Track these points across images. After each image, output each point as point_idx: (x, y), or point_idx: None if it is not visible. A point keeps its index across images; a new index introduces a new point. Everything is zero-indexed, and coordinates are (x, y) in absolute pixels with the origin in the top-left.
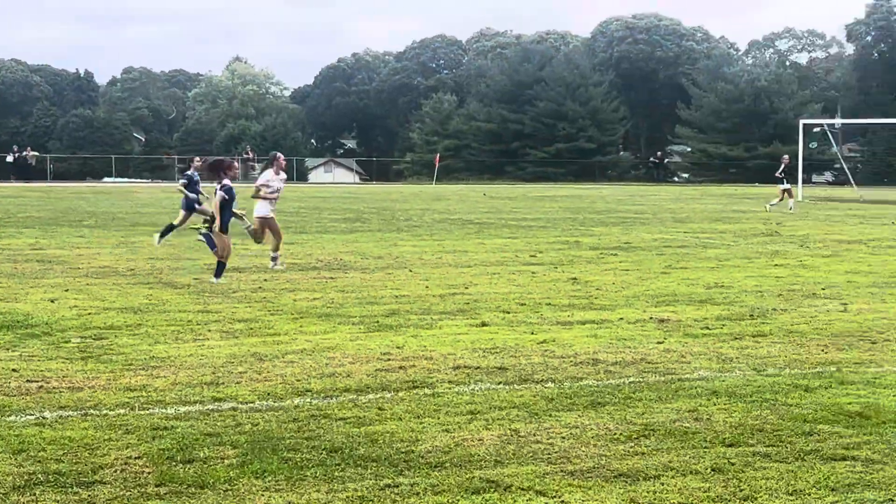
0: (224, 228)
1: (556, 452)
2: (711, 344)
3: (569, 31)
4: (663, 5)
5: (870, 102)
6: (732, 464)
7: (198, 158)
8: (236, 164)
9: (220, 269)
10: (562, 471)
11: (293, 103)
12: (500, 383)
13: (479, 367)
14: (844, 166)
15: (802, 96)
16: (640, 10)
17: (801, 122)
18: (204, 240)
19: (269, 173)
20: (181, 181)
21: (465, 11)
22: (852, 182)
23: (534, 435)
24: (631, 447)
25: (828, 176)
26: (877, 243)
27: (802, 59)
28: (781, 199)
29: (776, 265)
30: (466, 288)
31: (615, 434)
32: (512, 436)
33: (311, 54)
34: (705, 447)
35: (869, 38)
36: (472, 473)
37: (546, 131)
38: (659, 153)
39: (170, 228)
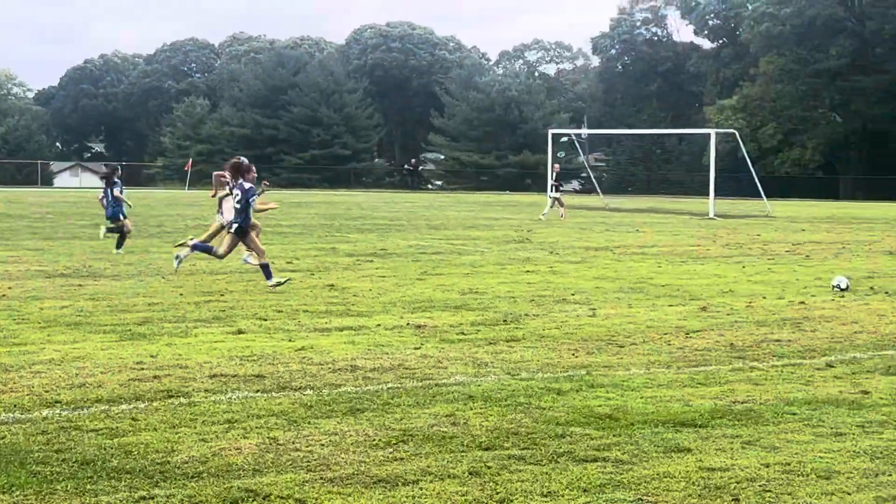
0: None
1: (315, 460)
2: (467, 349)
3: (323, 38)
4: (416, 14)
5: (614, 114)
6: (489, 467)
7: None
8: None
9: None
10: (321, 478)
11: (37, 105)
12: (257, 391)
13: (236, 376)
14: (591, 175)
15: (551, 106)
16: (394, 19)
17: (550, 131)
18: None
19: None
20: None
21: (218, 15)
22: (598, 190)
23: (293, 443)
24: (390, 453)
25: (575, 184)
26: (622, 250)
27: (551, 70)
28: (554, 205)
29: (528, 271)
30: (222, 295)
31: (374, 440)
32: (270, 444)
33: (57, 55)
34: (462, 451)
35: (613, 51)
36: (231, 483)
37: (301, 137)
38: (413, 160)
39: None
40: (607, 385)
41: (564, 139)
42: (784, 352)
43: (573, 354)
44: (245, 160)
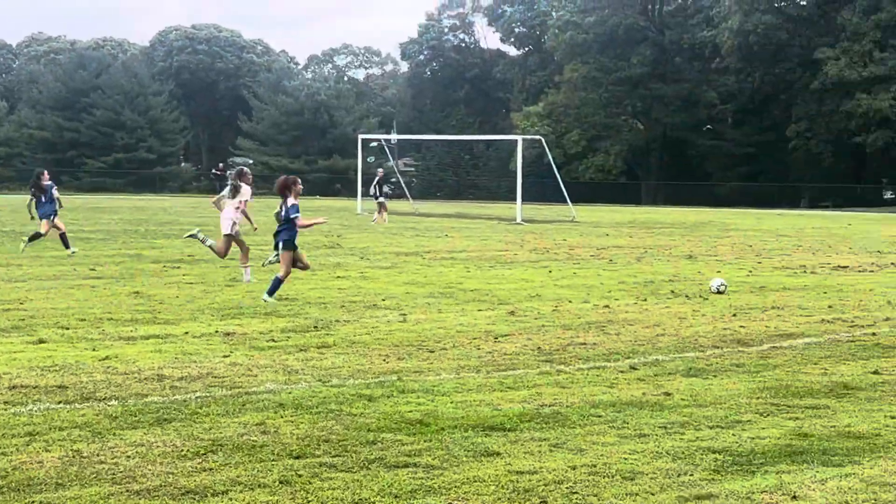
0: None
1: (121, 472)
2: (277, 356)
3: (126, 39)
4: (223, 17)
5: (423, 119)
6: (300, 475)
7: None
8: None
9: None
10: (127, 490)
11: None
12: (60, 402)
13: (37, 387)
14: (401, 180)
15: (360, 111)
16: (201, 21)
17: (360, 136)
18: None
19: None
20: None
21: (15, 14)
22: (408, 195)
23: (97, 455)
24: (198, 463)
25: (385, 189)
26: (432, 255)
27: (360, 75)
28: (381, 211)
29: (339, 277)
30: (21, 303)
31: (182, 451)
32: (74, 457)
33: None
34: (273, 460)
35: (422, 56)
36: (32, 498)
37: (104, 140)
38: (221, 165)
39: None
40: (418, 390)
41: (374, 144)
42: (589, 355)
43: (384, 360)
44: (293, 177)
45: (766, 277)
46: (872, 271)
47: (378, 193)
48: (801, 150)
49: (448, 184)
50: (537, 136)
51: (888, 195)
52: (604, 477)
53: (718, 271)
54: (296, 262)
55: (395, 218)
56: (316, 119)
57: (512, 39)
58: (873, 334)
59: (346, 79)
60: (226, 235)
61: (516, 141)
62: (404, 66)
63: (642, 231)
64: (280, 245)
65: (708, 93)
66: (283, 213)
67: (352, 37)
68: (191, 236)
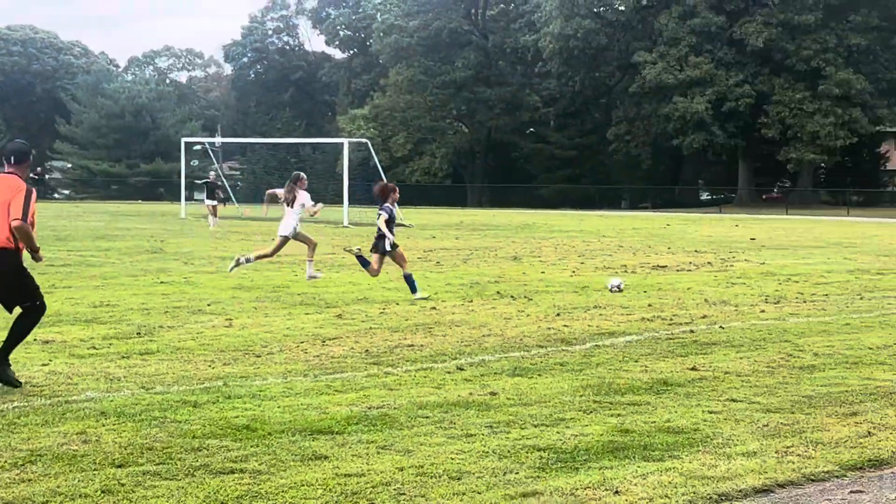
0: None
1: None
2: (99, 364)
3: None
4: (38, 18)
5: (248, 122)
6: (122, 484)
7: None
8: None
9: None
10: None
11: None
12: None
13: None
14: (226, 184)
15: (183, 114)
16: (15, 22)
17: (183, 139)
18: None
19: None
20: None
21: None
22: (233, 199)
23: None
24: (17, 474)
25: (219, 193)
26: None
27: (182, 77)
28: (213, 216)
29: (162, 282)
30: None
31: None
32: None
33: None
34: (94, 469)
35: (245, 59)
36: None
37: None
38: (39, 169)
39: None
40: (244, 395)
41: (197, 147)
42: (417, 356)
43: (210, 366)
44: (391, 184)
45: (588, 277)
46: (690, 270)
47: (208, 196)
48: (620, 153)
49: (274, 187)
50: (363, 139)
51: (704, 196)
52: (431, 477)
53: (543, 272)
54: (368, 264)
55: (221, 222)
56: (137, 122)
57: (337, 42)
58: (691, 331)
59: (168, 81)
60: (282, 236)
61: (342, 144)
62: (228, 69)
63: (468, 233)
64: (387, 246)
65: (531, 96)
66: (389, 217)
67: (173, 38)
68: (237, 265)
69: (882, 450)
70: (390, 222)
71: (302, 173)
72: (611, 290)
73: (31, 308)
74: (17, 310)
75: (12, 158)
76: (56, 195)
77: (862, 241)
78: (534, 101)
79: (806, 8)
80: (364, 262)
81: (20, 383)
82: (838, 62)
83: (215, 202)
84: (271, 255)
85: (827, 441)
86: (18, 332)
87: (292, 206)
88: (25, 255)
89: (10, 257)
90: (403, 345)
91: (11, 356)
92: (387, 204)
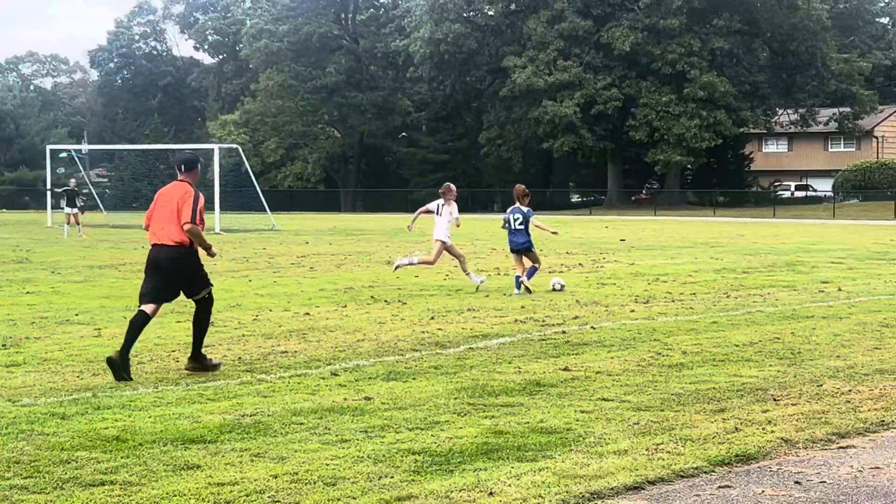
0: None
1: None
2: None
3: None
4: None
5: (116, 128)
6: None
7: None
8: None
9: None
10: None
11: None
12: None
13: None
14: (93, 191)
15: (48, 121)
16: None
17: (48, 147)
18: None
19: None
20: None
21: None
22: (101, 207)
23: None
24: None
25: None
26: (128, 267)
27: (47, 83)
28: (71, 223)
29: (28, 293)
30: None
31: None
32: None
33: None
34: None
35: (112, 64)
36: None
37: None
38: None
39: None
40: (115, 406)
41: (63, 155)
42: (291, 363)
43: (78, 377)
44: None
45: (461, 281)
46: (562, 272)
47: (69, 204)
48: (492, 156)
49: (143, 194)
50: (234, 145)
51: (575, 198)
52: (306, 484)
53: (416, 276)
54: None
55: (89, 230)
56: (1, 130)
57: (206, 47)
58: (563, 332)
59: (32, 87)
60: (440, 241)
61: (213, 150)
62: (94, 75)
63: (342, 238)
64: (525, 249)
65: (402, 101)
66: (523, 218)
67: (38, 44)
68: (399, 267)
69: (749, 445)
70: (526, 225)
71: (451, 184)
72: (554, 289)
73: (206, 300)
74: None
75: (183, 167)
76: None
77: (728, 241)
78: (406, 106)
79: (670, 12)
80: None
81: (218, 366)
82: (702, 65)
83: (76, 210)
84: (433, 262)
85: (696, 437)
86: (203, 325)
87: (441, 214)
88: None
89: (187, 253)
90: (277, 351)
91: None
92: (523, 206)
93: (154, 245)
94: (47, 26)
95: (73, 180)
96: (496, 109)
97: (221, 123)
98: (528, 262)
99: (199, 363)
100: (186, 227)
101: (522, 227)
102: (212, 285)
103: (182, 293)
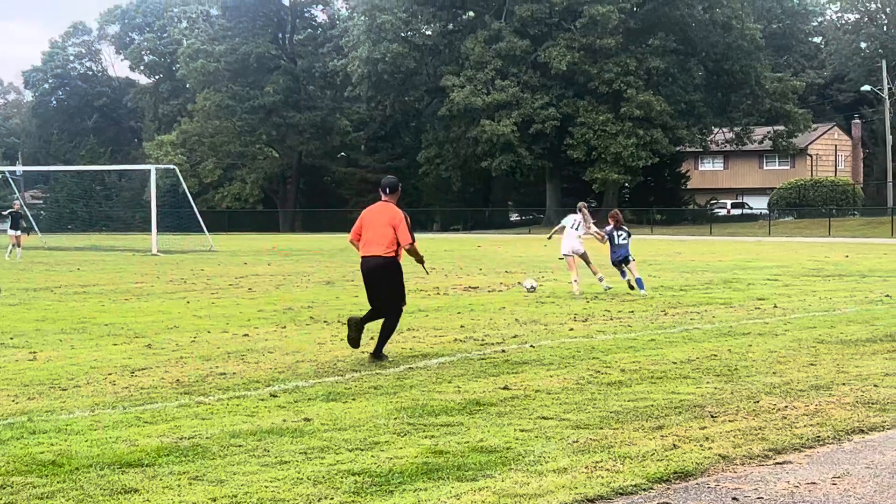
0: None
1: None
2: None
3: None
4: None
5: (51, 149)
6: None
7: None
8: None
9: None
10: None
11: None
12: None
13: None
14: (27, 213)
15: None
16: None
17: None
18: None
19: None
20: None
21: None
22: (36, 229)
23: None
24: None
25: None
26: (63, 290)
27: None
28: (16, 246)
29: None
30: None
31: None
32: None
33: None
34: None
35: (47, 85)
36: None
37: None
38: None
39: None
40: (50, 430)
41: None
42: (229, 385)
43: (13, 401)
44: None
45: None
46: (501, 291)
47: (12, 227)
48: (431, 176)
49: (79, 216)
50: (171, 166)
51: (514, 217)
52: None
53: (356, 296)
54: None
55: (24, 253)
56: None
57: (142, 67)
58: (503, 351)
59: None
60: (574, 253)
61: (149, 171)
62: (28, 96)
63: (281, 258)
64: (626, 260)
65: (341, 120)
66: (627, 237)
67: None
68: (532, 290)
69: (687, 461)
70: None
71: (583, 204)
72: (528, 290)
73: (398, 311)
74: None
75: (388, 189)
76: None
77: (665, 259)
78: (344, 125)
79: (607, 32)
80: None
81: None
82: (639, 84)
83: (19, 232)
84: (592, 270)
85: (634, 455)
86: (389, 331)
87: (577, 229)
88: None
89: (396, 264)
90: (215, 373)
91: None
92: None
93: (366, 256)
94: None
95: (16, 202)
96: (435, 129)
97: (158, 144)
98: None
99: (380, 358)
100: (409, 247)
101: (626, 241)
102: (405, 303)
103: (381, 300)
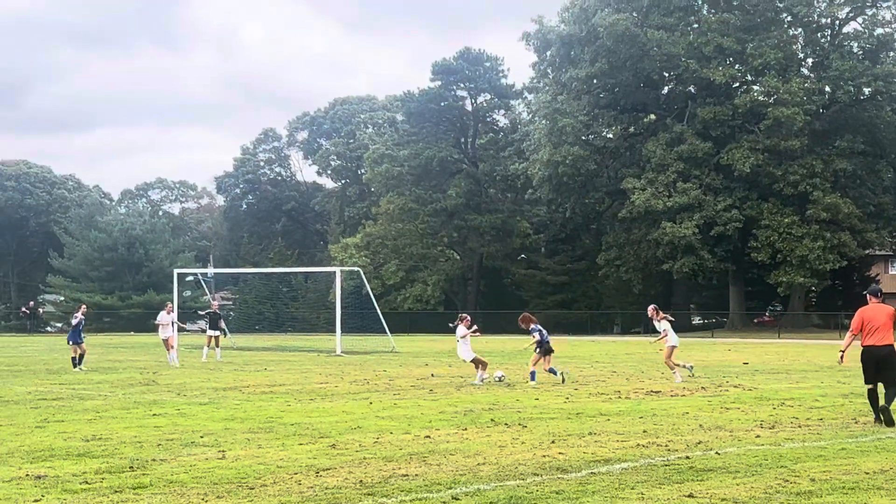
0: None
1: None
2: (91, 499)
3: None
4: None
5: (241, 252)
6: None
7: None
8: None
9: None
10: None
11: None
12: None
13: None
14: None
15: (176, 245)
16: (9, 157)
17: (175, 271)
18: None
19: None
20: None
21: None
22: (225, 330)
23: None
24: None
25: (201, 324)
26: (251, 389)
27: (175, 209)
28: (211, 346)
29: (154, 414)
30: None
31: None
32: None
33: None
34: None
35: (237, 190)
36: None
37: None
38: (31, 303)
39: None
40: None
41: (190, 278)
42: (411, 486)
43: (203, 499)
44: None
45: (582, 403)
46: (685, 395)
47: (211, 327)
48: (611, 278)
49: (266, 316)
50: (355, 268)
51: (696, 320)
52: None
53: (537, 399)
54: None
55: (213, 352)
56: (130, 254)
57: (329, 172)
58: (687, 458)
59: (160, 213)
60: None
61: (334, 273)
62: (220, 200)
63: (461, 360)
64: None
65: (521, 223)
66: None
67: (166, 171)
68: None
69: None
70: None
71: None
72: (497, 380)
73: None
74: None
75: (878, 293)
76: (49, 328)
77: (855, 365)
78: (524, 228)
79: (791, 134)
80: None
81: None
82: (825, 187)
83: (218, 332)
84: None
85: None
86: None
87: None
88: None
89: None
90: (398, 475)
91: (2, 493)
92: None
93: (872, 346)
94: (176, 155)
95: (214, 302)
96: (615, 231)
97: (343, 246)
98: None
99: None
100: None
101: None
102: None
103: (882, 379)
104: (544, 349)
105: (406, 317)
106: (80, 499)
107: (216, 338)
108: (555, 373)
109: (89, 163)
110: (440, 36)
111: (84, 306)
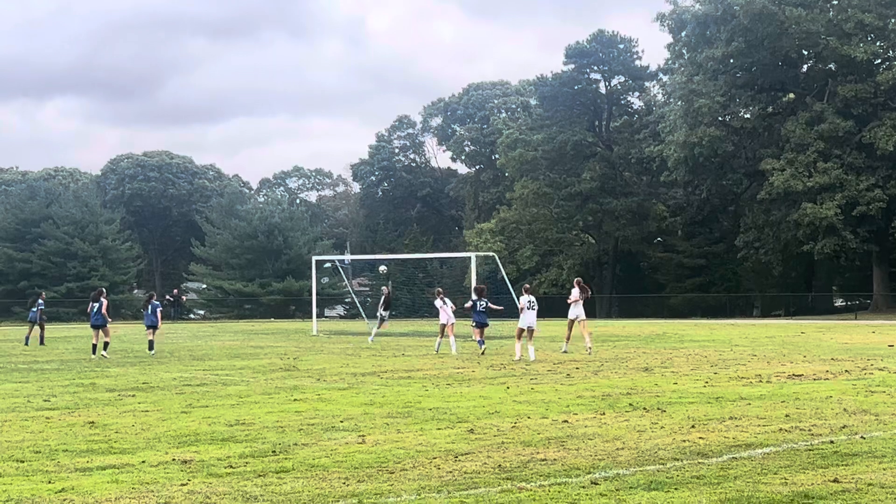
0: None
1: None
2: (236, 483)
3: (77, 168)
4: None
5: (377, 238)
6: None
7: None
8: None
9: None
10: None
11: None
12: None
13: None
14: (355, 300)
15: (314, 232)
16: (151, 148)
17: (314, 257)
18: None
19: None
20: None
21: None
22: (363, 315)
23: None
24: None
25: (339, 310)
26: (389, 374)
27: (312, 196)
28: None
29: (295, 399)
30: None
31: None
32: None
33: None
34: None
35: (373, 177)
36: None
37: (56, 270)
38: (175, 290)
39: None
40: None
41: (328, 265)
42: (550, 471)
43: (344, 483)
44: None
45: (722, 388)
46: (827, 379)
47: (386, 309)
48: (750, 260)
49: (403, 302)
50: (491, 253)
51: (839, 303)
52: None
53: (675, 383)
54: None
55: (351, 338)
56: (270, 242)
57: (463, 157)
58: (831, 442)
59: (298, 201)
60: None
61: (470, 258)
62: (356, 187)
63: (598, 344)
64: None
65: (657, 206)
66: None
67: (303, 160)
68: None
69: None
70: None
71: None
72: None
73: None
74: None
75: None
76: (192, 316)
77: None
78: (661, 211)
79: None
80: None
81: None
82: None
83: (387, 316)
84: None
85: None
86: None
87: None
88: None
89: None
90: (536, 459)
91: (150, 477)
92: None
93: None
94: (313, 143)
95: (384, 288)
96: (753, 212)
97: (477, 232)
98: None
99: None
100: None
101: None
102: None
103: None
104: (478, 323)
105: (541, 301)
106: (225, 482)
107: (384, 320)
108: (481, 344)
109: (225, 152)
110: (567, 19)
111: (44, 293)
